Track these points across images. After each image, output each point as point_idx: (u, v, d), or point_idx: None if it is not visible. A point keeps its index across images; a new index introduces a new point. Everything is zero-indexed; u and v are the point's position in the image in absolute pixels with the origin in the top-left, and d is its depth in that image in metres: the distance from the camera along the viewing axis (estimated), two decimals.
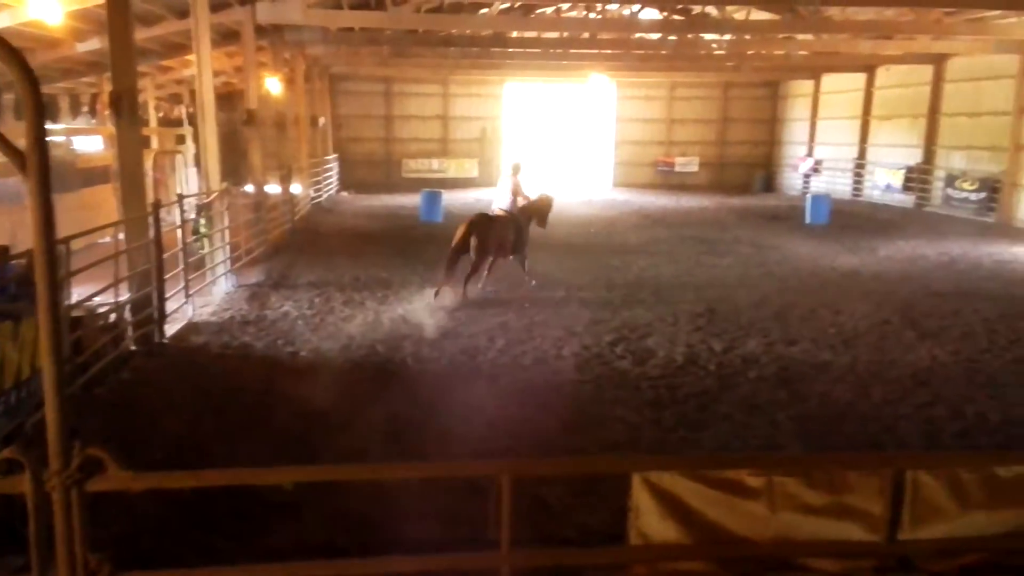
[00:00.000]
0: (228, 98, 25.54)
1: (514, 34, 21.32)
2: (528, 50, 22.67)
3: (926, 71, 22.86)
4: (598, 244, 17.50)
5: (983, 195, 20.63)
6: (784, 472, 2.36)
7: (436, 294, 10.92)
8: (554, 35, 21.73)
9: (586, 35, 20.83)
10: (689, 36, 20.07)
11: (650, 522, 2.37)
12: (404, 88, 32.35)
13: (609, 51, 22.42)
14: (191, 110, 23.81)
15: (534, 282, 12.06)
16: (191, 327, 9.73)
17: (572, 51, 22.50)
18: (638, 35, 20.43)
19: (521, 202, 12.05)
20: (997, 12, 15.94)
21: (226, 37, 17.77)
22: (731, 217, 23.13)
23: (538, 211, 12.49)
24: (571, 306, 11.04)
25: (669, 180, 32.79)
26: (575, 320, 10.19)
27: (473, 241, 10.99)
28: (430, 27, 19.47)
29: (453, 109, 32.84)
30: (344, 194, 28.85)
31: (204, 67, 12.56)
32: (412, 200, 23.38)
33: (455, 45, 21.45)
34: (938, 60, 22.30)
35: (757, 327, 9.92)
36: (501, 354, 8.64)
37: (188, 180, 21.44)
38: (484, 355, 8.60)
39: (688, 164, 33.17)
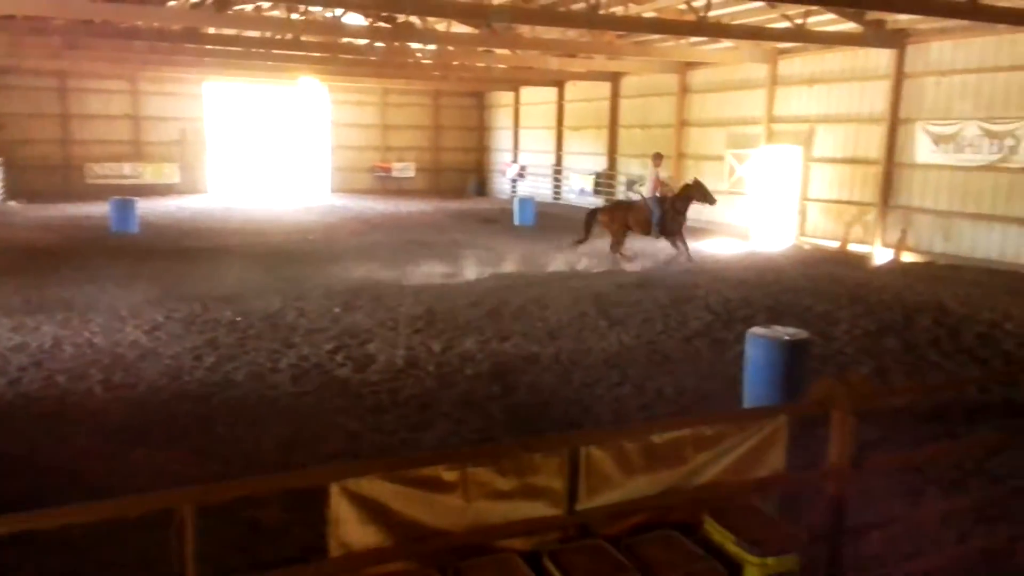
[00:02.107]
0: None
1: (211, 30, 19.94)
2: (228, 48, 21.33)
3: (605, 87, 25.68)
4: (317, 251, 17.07)
5: None
6: (477, 463, 2.49)
7: (577, 242, 15.95)
8: (256, 34, 20.76)
9: (290, 36, 20.19)
10: (396, 44, 20.40)
11: (350, 530, 2.36)
12: (83, 84, 28.63)
13: (316, 54, 21.97)
14: None
15: (687, 260, 15.25)
16: None
17: (277, 52, 21.62)
18: (345, 40, 20.30)
19: (663, 191, 15.50)
20: (658, 36, 18.37)
21: None
22: (448, 221, 23.89)
23: (696, 191, 15.56)
24: (288, 316, 10.63)
25: (387, 185, 33.08)
26: (292, 331, 9.82)
27: (602, 218, 15.76)
28: (109, 18, 17.46)
29: (145, 108, 29.81)
30: (12, 204, 24.83)
31: None
32: (100, 209, 20.85)
33: (141, 39, 19.46)
34: (614, 78, 25.17)
35: (473, 326, 10.31)
36: (210, 372, 8.04)
37: None
38: (190, 375, 7.94)
39: (405, 169, 33.70)
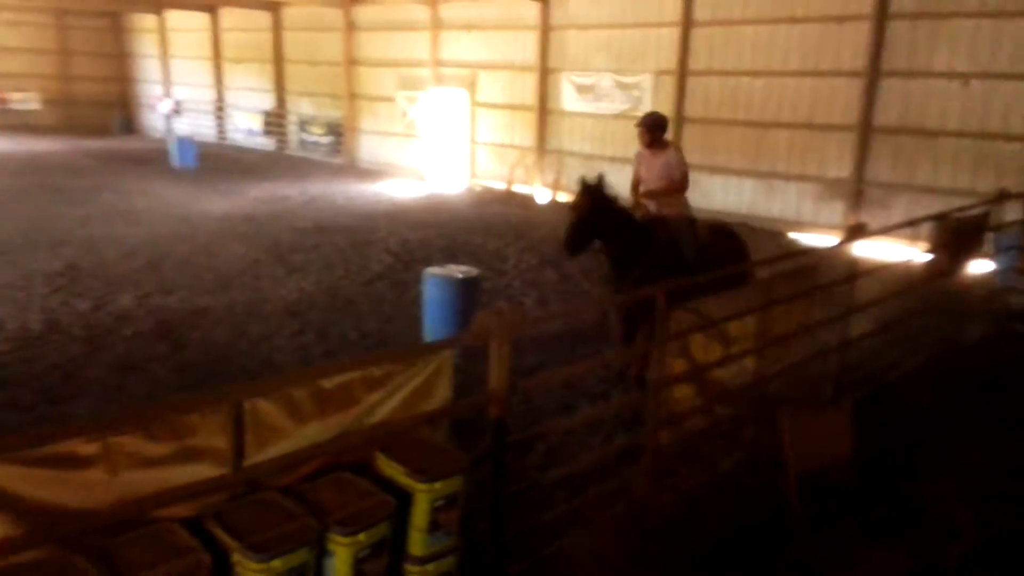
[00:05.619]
0: None
1: None
2: None
3: (266, 17, 24.00)
4: None
5: (331, 138, 23.14)
6: (119, 432, 2.24)
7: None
8: None
9: None
10: None
11: None
12: None
13: None
14: None
15: None
16: None
17: None
18: None
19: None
20: None
21: None
22: (89, 161, 20.95)
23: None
24: None
25: (5, 120, 27.60)
26: None
27: None
28: None
29: None
30: None
31: None
32: None
33: None
34: (274, 7, 23.54)
35: (129, 280, 9.40)
36: None
37: None
38: None
39: (27, 101, 28.32)
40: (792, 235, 13.53)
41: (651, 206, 6.21)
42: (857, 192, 12.98)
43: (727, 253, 5.95)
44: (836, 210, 13.09)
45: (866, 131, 12.76)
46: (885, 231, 6.13)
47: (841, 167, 13.16)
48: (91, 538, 2.15)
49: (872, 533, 3.62)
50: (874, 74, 12.51)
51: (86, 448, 2.20)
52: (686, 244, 5.90)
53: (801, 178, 13.76)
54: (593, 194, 5.74)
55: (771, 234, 13.53)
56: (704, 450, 4.63)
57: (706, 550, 3.81)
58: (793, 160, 13.83)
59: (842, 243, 5.46)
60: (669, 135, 7.51)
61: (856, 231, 5.36)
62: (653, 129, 6.32)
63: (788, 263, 5.37)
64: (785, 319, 4.92)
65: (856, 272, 5.53)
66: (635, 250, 5.74)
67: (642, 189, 6.33)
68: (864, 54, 12.54)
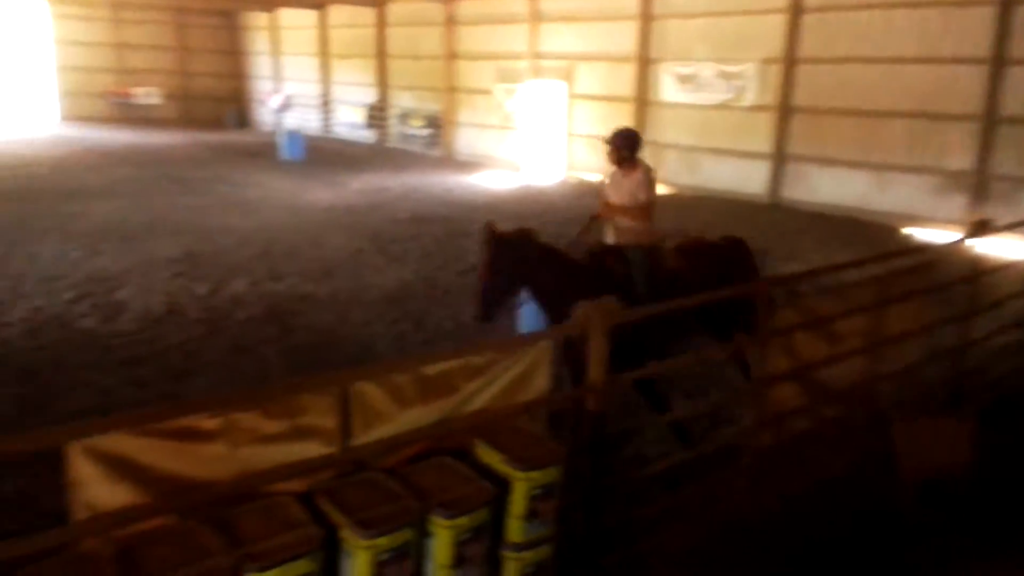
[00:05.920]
0: None
1: None
2: None
3: (371, 13, 24.72)
4: (47, 188, 15.04)
5: (430, 131, 23.59)
6: (239, 409, 2.38)
7: None
8: None
9: None
10: None
11: (97, 492, 2.18)
12: None
13: None
14: None
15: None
16: None
17: None
18: None
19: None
20: None
21: None
22: (206, 154, 22.13)
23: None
24: (15, 262, 9.33)
25: (129, 114, 29.54)
26: (22, 279, 8.66)
27: None
28: None
29: None
30: None
31: None
32: None
33: None
34: (379, 4, 24.25)
35: (242, 267, 9.84)
36: None
37: None
38: None
39: (150, 96, 30.16)
40: (906, 230, 12.83)
41: (610, 234, 5.44)
42: (979, 185, 12.17)
43: (709, 274, 4.93)
44: (956, 204, 12.33)
45: (990, 121, 11.94)
46: (1012, 227, 5.73)
47: (962, 159, 12.37)
48: (211, 509, 2.29)
49: (991, 544, 3.40)
50: (999, 61, 11.69)
51: (209, 423, 2.34)
52: (639, 276, 5.04)
53: (917, 170, 13.02)
54: (502, 243, 4.87)
55: (884, 228, 12.87)
56: (809, 452, 4.46)
57: (808, 553, 3.68)
58: (909, 151, 13.10)
59: (964, 239, 5.14)
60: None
61: (980, 227, 5.03)
62: (622, 147, 5.46)
63: (903, 260, 5.10)
64: (899, 318, 4.68)
65: (979, 270, 5.19)
66: (569, 290, 4.63)
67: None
68: (988, 40, 11.74)
